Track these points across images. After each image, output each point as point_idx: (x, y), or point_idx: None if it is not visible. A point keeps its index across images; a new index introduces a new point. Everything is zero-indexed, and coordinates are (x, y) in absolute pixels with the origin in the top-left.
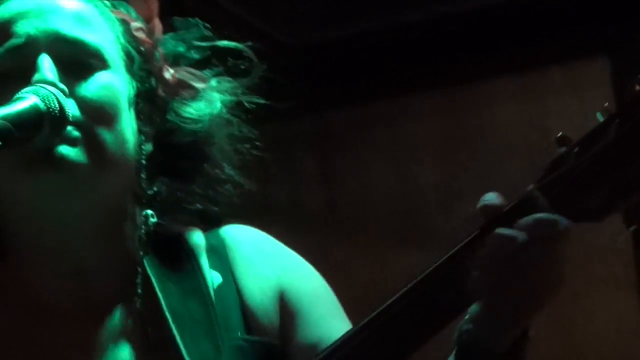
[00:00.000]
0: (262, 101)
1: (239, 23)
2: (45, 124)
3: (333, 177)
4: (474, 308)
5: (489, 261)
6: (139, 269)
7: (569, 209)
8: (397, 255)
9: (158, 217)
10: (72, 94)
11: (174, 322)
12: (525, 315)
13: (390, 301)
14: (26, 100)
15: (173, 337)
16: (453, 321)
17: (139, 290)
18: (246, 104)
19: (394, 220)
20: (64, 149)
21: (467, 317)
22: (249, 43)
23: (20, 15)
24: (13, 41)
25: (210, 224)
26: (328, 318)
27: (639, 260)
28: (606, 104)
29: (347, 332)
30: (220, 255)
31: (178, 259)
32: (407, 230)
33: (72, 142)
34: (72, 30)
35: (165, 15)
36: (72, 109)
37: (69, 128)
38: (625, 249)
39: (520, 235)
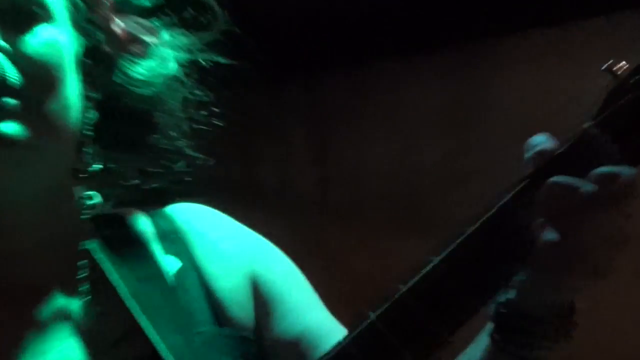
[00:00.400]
0: (226, 61)
1: None
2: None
3: (326, 154)
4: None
5: (546, 214)
6: (85, 253)
7: (635, 148)
8: (397, 242)
9: (103, 198)
10: (11, 52)
11: (137, 309)
12: (579, 278)
13: (427, 269)
14: None
15: (138, 326)
16: (503, 287)
17: (86, 276)
18: (205, 63)
19: (394, 203)
20: (2, 126)
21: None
22: None
23: None
24: None
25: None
26: (309, 307)
27: None
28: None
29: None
30: (174, 239)
31: (127, 244)
32: (408, 214)
33: (10, 114)
34: None
35: None
36: (12, 74)
37: (7, 99)
38: None
39: (586, 186)
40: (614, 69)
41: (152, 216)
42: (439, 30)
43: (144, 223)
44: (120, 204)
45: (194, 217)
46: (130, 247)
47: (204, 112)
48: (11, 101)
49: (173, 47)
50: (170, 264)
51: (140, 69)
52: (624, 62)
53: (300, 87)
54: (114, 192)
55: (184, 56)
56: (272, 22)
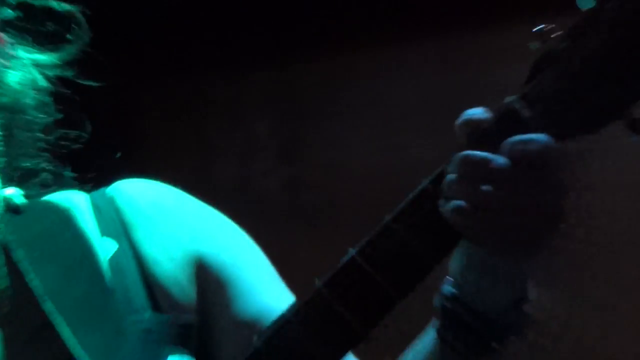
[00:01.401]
0: (73, 78)
1: None
2: None
3: (295, 151)
4: (454, 263)
5: (456, 192)
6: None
7: (565, 117)
8: None
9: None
10: None
11: (49, 303)
12: (514, 258)
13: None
14: None
15: (53, 324)
16: (433, 270)
17: (5, 272)
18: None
19: (372, 206)
20: None
21: (447, 279)
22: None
23: None
24: None
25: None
26: (266, 288)
27: None
28: None
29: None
30: (111, 219)
31: (54, 232)
32: (381, 215)
33: None
34: None
35: None
36: None
37: None
38: None
39: (498, 159)
40: (545, 33)
41: (92, 197)
42: (426, 15)
43: (77, 200)
44: (44, 190)
45: (135, 195)
46: (59, 233)
47: (65, 130)
48: None
49: (35, 61)
50: (105, 247)
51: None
52: (554, 28)
53: (267, 76)
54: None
55: (44, 69)
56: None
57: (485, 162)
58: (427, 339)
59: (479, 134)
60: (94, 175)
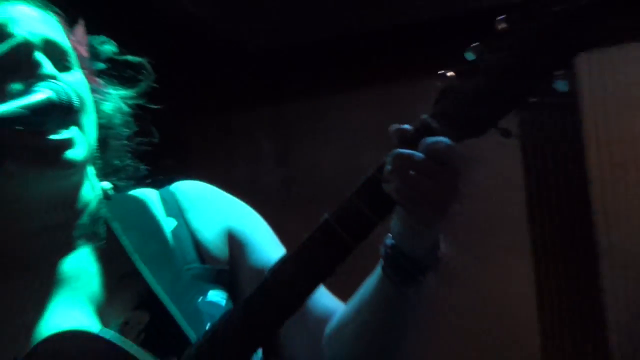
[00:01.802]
0: (146, 104)
1: (210, 29)
2: (56, 111)
3: (287, 158)
4: (393, 224)
5: (393, 175)
6: (101, 220)
7: (459, 127)
8: None
9: (113, 184)
10: (58, 78)
11: (135, 256)
12: (431, 220)
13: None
14: (41, 92)
15: (136, 268)
16: (382, 222)
17: (102, 234)
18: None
19: (343, 195)
20: (71, 154)
21: (389, 235)
22: (148, 59)
23: (12, 21)
24: (12, 41)
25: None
26: (270, 248)
27: (533, 230)
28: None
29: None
30: (172, 205)
31: (137, 212)
32: None
33: (73, 144)
34: (55, 35)
35: (133, 17)
36: (75, 98)
37: (74, 130)
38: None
39: (418, 154)
40: (444, 73)
41: (160, 192)
42: (374, 70)
43: (150, 194)
44: (131, 187)
45: (188, 190)
46: (140, 213)
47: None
48: (76, 132)
49: (120, 95)
50: (169, 223)
51: (103, 107)
52: (448, 71)
53: (269, 109)
54: (119, 181)
55: (127, 101)
56: (256, 68)
57: (408, 156)
58: (374, 276)
59: (405, 139)
60: (159, 175)
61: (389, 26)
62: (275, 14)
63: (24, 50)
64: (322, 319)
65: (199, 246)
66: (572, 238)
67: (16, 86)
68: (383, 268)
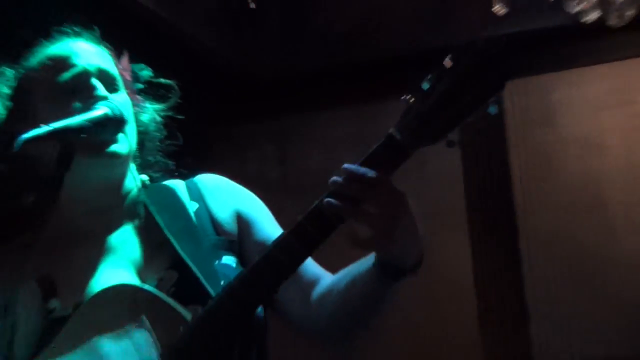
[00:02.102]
0: (174, 115)
1: (222, 59)
2: (109, 123)
3: (285, 159)
4: None
5: (339, 187)
6: (140, 204)
7: (417, 138)
8: None
9: (149, 176)
10: (110, 99)
11: (166, 231)
12: (398, 238)
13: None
14: (99, 109)
15: (168, 239)
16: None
17: (141, 214)
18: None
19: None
20: (116, 147)
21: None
22: (178, 82)
23: (74, 54)
24: (74, 70)
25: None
26: (269, 226)
27: (469, 215)
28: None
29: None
30: (195, 192)
31: (168, 197)
32: None
33: (121, 136)
34: (106, 65)
35: (166, 51)
36: (125, 114)
37: (120, 134)
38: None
39: (368, 171)
40: (406, 97)
41: (185, 182)
42: (347, 94)
43: (179, 183)
44: (164, 178)
45: (207, 180)
46: (170, 198)
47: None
48: (122, 133)
49: (154, 108)
50: (192, 206)
51: (141, 118)
52: (409, 96)
53: (272, 122)
54: (154, 174)
55: (159, 113)
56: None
57: (357, 171)
58: (364, 267)
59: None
60: (183, 170)
61: (365, 60)
62: (277, 50)
63: (84, 77)
64: (311, 282)
65: (215, 223)
66: (499, 221)
67: (77, 105)
68: (378, 271)
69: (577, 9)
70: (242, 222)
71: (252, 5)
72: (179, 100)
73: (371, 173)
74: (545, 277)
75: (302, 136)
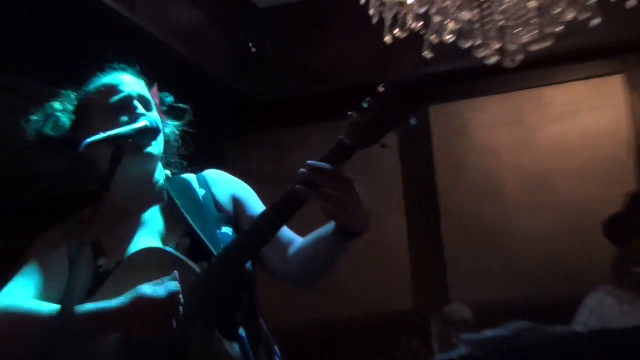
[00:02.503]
0: (187, 129)
1: (232, 88)
2: (147, 133)
3: (278, 160)
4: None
5: (305, 176)
6: (164, 190)
7: (360, 141)
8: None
9: (171, 171)
10: (147, 116)
11: (182, 210)
12: (349, 211)
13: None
14: (141, 122)
15: (183, 216)
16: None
17: (165, 198)
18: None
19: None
20: (151, 149)
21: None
22: (197, 104)
23: (121, 83)
24: (122, 94)
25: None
26: (256, 206)
27: (405, 197)
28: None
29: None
30: (202, 182)
31: (183, 186)
32: None
33: (154, 141)
34: (143, 92)
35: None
36: (159, 127)
37: (153, 141)
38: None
39: (324, 164)
40: (351, 113)
41: (196, 175)
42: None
43: (190, 176)
44: (181, 172)
45: (212, 174)
46: (185, 186)
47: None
48: (158, 139)
49: (174, 124)
50: (201, 192)
51: (165, 130)
52: (354, 112)
53: (268, 134)
54: (172, 170)
55: (177, 127)
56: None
57: (316, 165)
58: (326, 232)
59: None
60: (195, 167)
61: (333, 88)
62: (271, 81)
63: (128, 100)
64: (287, 243)
65: (216, 204)
66: (426, 204)
67: (124, 119)
68: (335, 234)
69: (482, 54)
70: (236, 203)
71: (253, 50)
72: (196, 118)
73: (327, 166)
74: (458, 244)
75: (290, 143)
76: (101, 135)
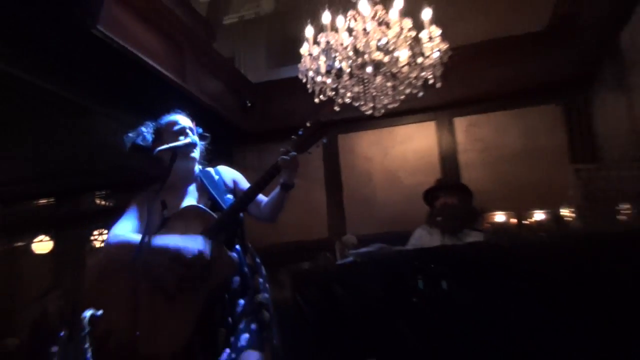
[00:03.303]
0: (208, 145)
1: (236, 122)
2: (192, 145)
3: (265, 163)
4: (285, 177)
5: (282, 159)
6: (198, 176)
7: (300, 149)
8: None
9: (202, 165)
10: (189, 135)
11: (208, 186)
12: (292, 175)
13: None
14: (190, 139)
15: (208, 189)
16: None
17: (198, 180)
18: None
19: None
20: (193, 154)
21: (283, 178)
22: (215, 131)
23: (180, 119)
24: (180, 126)
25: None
26: (245, 184)
27: (326, 176)
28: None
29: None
30: (217, 172)
31: (207, 174)
32: None
33: (194, 150)
34: (190, 125)
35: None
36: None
37: (195, 149)
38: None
39: (292, 152)
40: (294, 137)
41: (214, 168)
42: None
43: (214, 171)
44: (206, 167)
45: (223, 168)
46: (209, 174)
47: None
48: (196, 149)
49: (202, 142)
50: (216, 177)
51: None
52: (295, 136)
53: (257, 146)
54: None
55: (204, 144)
56: (244, 135)
57: (286, 152)
58: (277, 190)
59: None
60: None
61: (292, 125)
62: (258, 119)
63: (183, 129)
64: (260, 202)
65: (225, 184)
66: (334, 181)
67: (181, 138)
68: (282, 188)
69: (364, 109)
70: (235, 183)
71: (249, 104)
72: (217, 139)
73: (293, 153)
74: (351, 203)
75: (266, 152)
76: (166, 146)
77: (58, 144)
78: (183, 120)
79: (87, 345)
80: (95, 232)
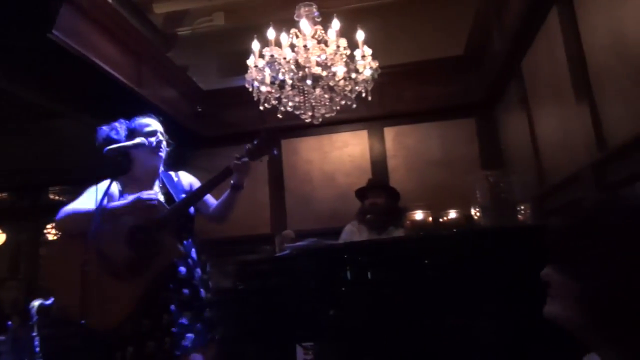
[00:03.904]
0: (175, 147)
1: (192, 127)
2: (161, 144)
3: (218, 167)
4: (236, 179)
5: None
6: (161, 175)
7: (250, 157)
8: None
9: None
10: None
11: (167, 186)
12: (244, 177)
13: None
14: (160, 139)
15: (169, 190)
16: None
17: (161, 178)
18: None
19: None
20: (161, 153)
21: (234, 179)
22: (176, 136)
23: (152, 123)
24: (153, 128)
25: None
26: (198, 186)
27: (270, 179)
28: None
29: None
30: (177, 176)
31: (169, 176)
32: None
33: (162, 150)
34: (161, 129)
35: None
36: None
37: (162, 149)
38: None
39: (243, 159)
40: (248, 146)
41: (175, 172)
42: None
43: (174, 174)
44: (169, 170)
45: (180, 173)
46: (170, 176)
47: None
48: (163, 148)
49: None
50: (177, 179)
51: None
52: (249, 144)
53: (211, 150)
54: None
55: (170, 146)
56: (204, 140)
57: (239, 157)
58: (229, 191)
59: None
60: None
61: (246, 130)
62: (212, 125)
63: (154, 131)
64: (210, 204)
65: (181, 185)
66: (277, 182)
67: (152, 139)
68: (232, 189)
69: (304, 117)
70: (191, 186)
71: (199, 110)
72: (175, 143)
73: (245, 159)
74: (292, 202)
75: (218, 156)
76: (135, 141)
77: (20, 142)
78: (155, 124)
79: (34, 334)
80: (49, 225)
